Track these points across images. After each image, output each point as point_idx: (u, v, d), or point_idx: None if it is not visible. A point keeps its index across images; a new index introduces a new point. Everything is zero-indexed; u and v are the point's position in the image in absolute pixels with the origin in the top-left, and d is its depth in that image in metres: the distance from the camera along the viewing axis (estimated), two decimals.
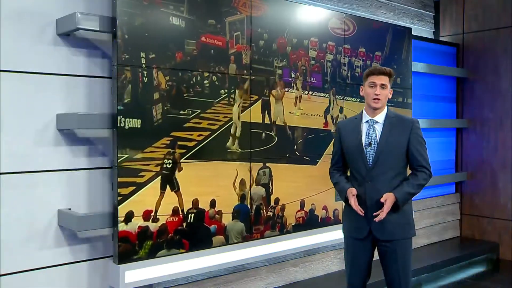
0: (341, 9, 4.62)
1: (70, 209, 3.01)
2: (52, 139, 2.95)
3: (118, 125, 2.97)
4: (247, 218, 3.65)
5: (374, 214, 2.78)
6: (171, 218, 3.23)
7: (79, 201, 3.05)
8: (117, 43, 2.93)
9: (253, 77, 3.69)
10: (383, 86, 2.84)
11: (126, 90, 3.01)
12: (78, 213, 2.98)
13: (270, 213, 3.82)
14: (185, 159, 3.29)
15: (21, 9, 2.84)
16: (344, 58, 4.35)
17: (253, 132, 3.70)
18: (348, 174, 3.05)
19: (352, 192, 2.84)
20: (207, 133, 3.41)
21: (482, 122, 5.81)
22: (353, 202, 2.82)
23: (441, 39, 6.07)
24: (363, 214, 2.80)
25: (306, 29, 4.05)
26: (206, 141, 3.41)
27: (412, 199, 2.92)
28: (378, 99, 2.84)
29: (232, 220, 3.56)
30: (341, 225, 3.10)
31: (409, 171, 2.96)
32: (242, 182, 3.63)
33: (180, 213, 3.28)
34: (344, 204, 3.03)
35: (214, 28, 3.44)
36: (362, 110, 2.97)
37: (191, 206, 3.33)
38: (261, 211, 3.76)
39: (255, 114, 3.72)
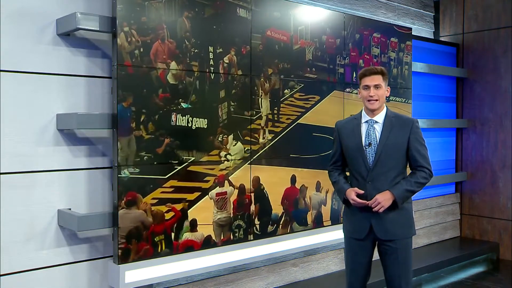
0: (341, 9, 4.60)
1: (70, 209, 3.01)
2: (52, 139, 2.95)
3: (186, 125, 2.82)
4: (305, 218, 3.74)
5: (372, 207, 2.77)
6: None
7: (79, 201, 3.05)
8: (118, 42, 2.93)
9: (315, 76, 3.44)
10: (377, 86, 2.83)
11: (193, 87, 2.83)
12: (78, 213, 2.98)
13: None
14: (248, 164, 3.14)
15: (21, 9, 2.84)
16: (406, 56, 4.05)
17: (315, 136, 3.50)
18: (347, 174, 3.05)
19: (354, 190, 2.83)
20: (270, 135, 3.25)
21: (482, 122, 5.81)
22: (353, 196, 2.81)
23: (441, 39, 6.06)
24: (367, 203, 2.77)
25: (370, 24, 3.77)
26: (269, 145, 3.23)
27: (412, 198, 2.92)
28: (374, 100, 2.84)
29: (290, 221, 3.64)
30: (341, 225, 3.11)
31: (408, 171, 2.96)
32: (302, 188, 3.61)
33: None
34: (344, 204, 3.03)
35: (279, 21, 3.23)
36: (361, 110, 2.96)
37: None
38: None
39: (316, 115, 3.49)
